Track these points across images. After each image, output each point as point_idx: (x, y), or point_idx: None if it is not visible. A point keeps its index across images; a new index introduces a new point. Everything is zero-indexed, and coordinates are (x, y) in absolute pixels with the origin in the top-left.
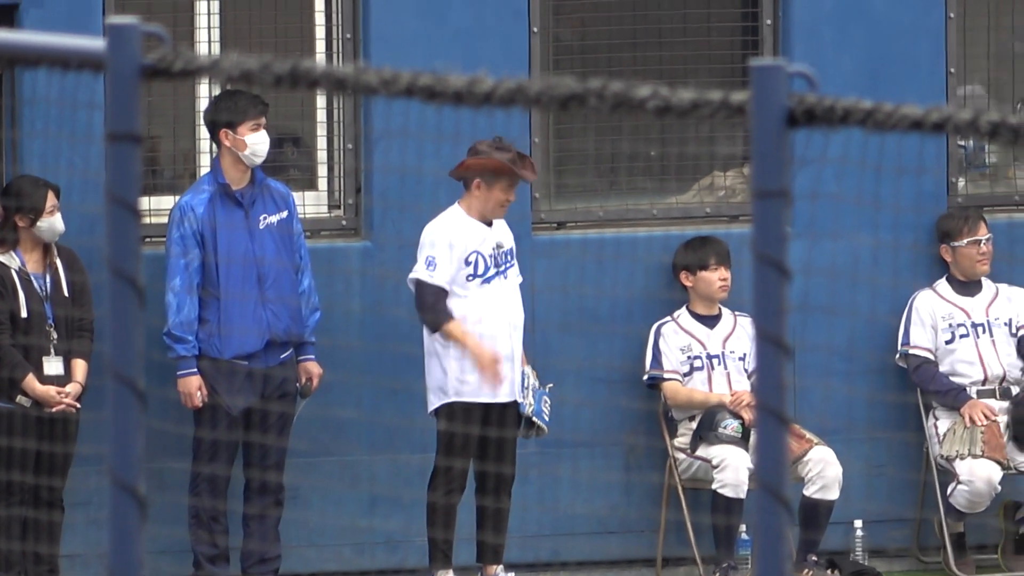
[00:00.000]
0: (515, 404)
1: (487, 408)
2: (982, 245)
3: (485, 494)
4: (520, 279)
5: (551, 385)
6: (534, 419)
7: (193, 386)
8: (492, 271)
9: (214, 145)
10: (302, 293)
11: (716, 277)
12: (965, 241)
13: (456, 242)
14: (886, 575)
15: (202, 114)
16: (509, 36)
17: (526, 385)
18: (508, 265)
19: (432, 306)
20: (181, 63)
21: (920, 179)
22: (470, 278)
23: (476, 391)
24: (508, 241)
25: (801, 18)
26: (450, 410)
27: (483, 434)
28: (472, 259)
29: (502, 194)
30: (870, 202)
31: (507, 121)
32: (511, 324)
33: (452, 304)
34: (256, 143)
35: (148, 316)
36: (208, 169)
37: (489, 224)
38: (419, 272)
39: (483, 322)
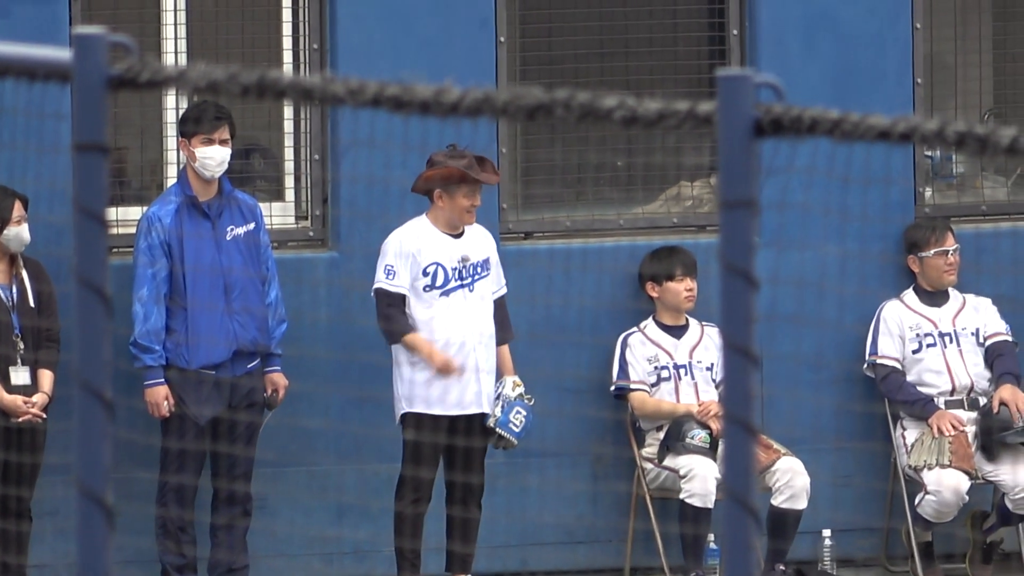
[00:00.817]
0: (484, 415)
1: (454, 418)
2: (949, 256)
3: (453, 504)
4: (501, 290)
5: (530, 399)
6: (497, 429)
7: (160, 395)
8: (454, 283)
9: (184, 155)
10: (269, 304)
11: (682, 288)
12: (932, 251)
13: (414, 252)
14: None
15: (176, 124)
16: (476, 46)
17: (499, 394)
18: (477, 278)
19: (390, 317)
20: (148, 73)
21: (887, 189)
22: (427, 288)
23: (438, 402)
24: (480, 254)
25: (768, 28)
26: (414, 419)
27: (448, 444)
28: (431, 270)
29: (465, 200)
30: (837, 212)
31: (474, 131)
32: (475, 337)
33: (414, 312)
34: (205, 156)
35: (115, 326)
36: (175, 180)
37: (459, 236)
38: (379, 280)
39: (443, 334)
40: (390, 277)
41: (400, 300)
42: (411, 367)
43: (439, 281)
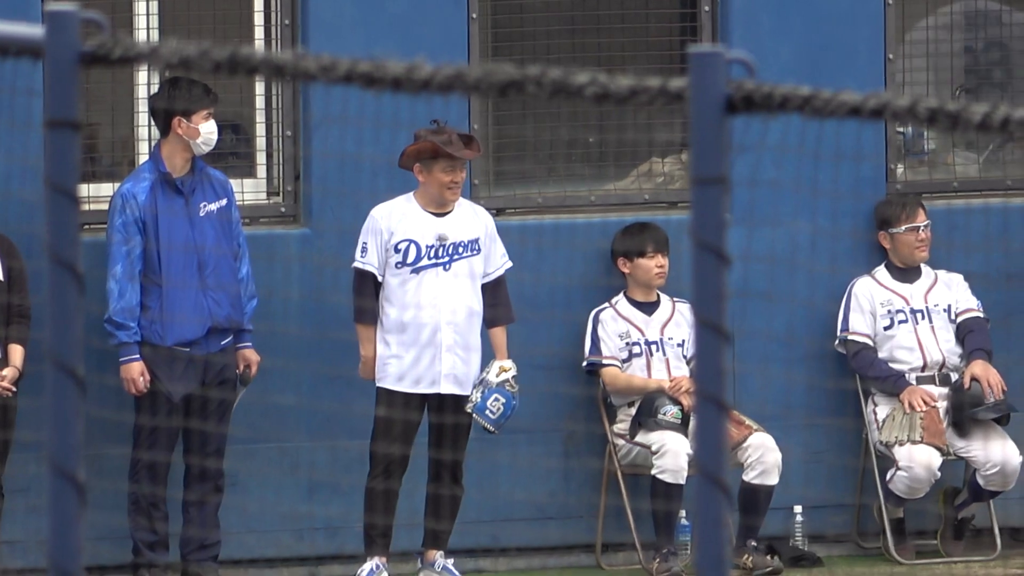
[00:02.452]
0: (458, 396)
1: (426, 396)
2: (920, 232)
3: (430, 480)
4: (498, 271)
5: (513, 386)
6: (474, 415)
7: (136, 372)
8: (426, 261)
9: (156, 132)
10: (240, 280)
11: (653, 264)
12: (903, 228)
13: (387, 228)
14: (826, 560)
15: (148, 101)
16: (448, 23)
17: (481, 379)
18: (456, 257)
19: (357, 296)
20: (120, 50)
21: (859, 166)
22: (399, 265)
23: (405, 379)
24: (465, 233)
25: (739, 5)
26: (385, 395)
27: (416, 421)
28: (402, 247)
29: (444, 175)
30: (809, 189)
31: (446, 108)
32: (443, 317)
33: (387, 287)
34: (208, 132)
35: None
36: (147, 156)
37: (442, 214)
38: (356, 257)
39: (410, 311)
40: (363, 255)
41: (370, 279)
42: (384, 344)
43: (410, 258)
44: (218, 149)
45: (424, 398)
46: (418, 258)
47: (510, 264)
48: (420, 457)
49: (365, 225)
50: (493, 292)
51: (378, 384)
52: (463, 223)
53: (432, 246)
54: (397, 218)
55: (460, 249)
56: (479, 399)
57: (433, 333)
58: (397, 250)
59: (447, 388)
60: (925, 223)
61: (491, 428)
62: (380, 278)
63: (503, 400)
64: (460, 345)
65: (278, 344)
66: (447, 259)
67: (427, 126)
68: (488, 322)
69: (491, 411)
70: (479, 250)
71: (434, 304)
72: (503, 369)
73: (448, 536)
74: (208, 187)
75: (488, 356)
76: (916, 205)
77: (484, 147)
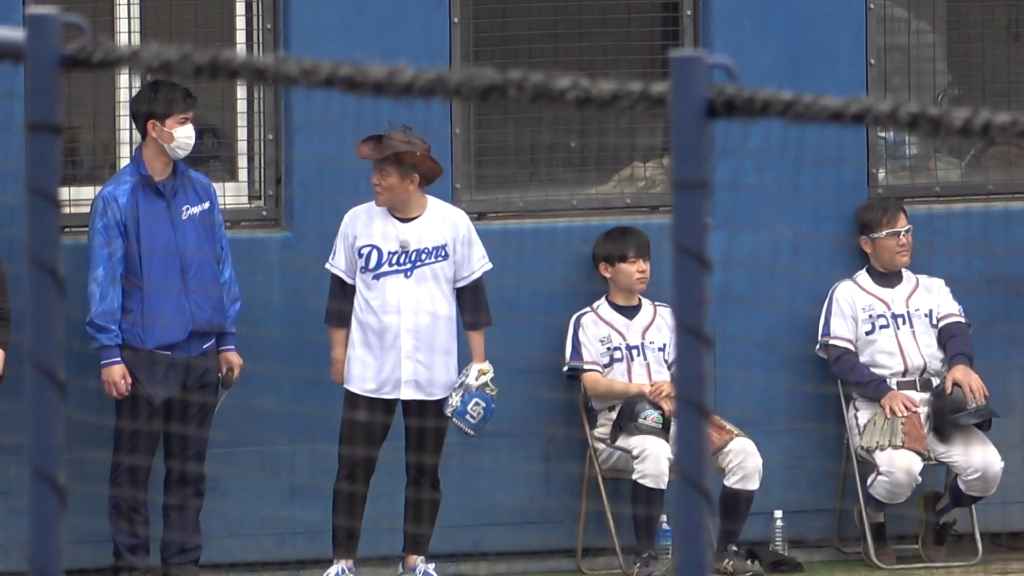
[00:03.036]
0: (423, 402)
1: (388, 401)
2: (901, 236)
3: (408, 485)
4: (473, 275)
5: (493, 390)
6: (453, 420)
7: (117, 374)
8: (387, 268)
9: (137, 136)
10: (223, 284)
11: (634, 269)
12: (884, 232)
13: (350, 233)
14: (806, 565)
15: (129, 104)
16: (429, 27)
17: (461, 383)
18: (419, 264)
19: (330, 297)
20: (101, 54)
21: (840, 170)
22: (363, 270)
23: (368, 383)
24: (431, 239)
25: (721, 9)
26: (350, 397)
27: (406, 425)
28: (365, 252)
29: (373, 179)
30: (790, 193)
31: (427, 112)
32: (404, 323)
33: (358, 291)
34: (183, 136)
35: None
36: (128, 159)
37: (408, 219)
38: (329, 259)
39: (373, 316)
40: (332, 258)
41: (339, 282)
42: (351, 346)
43: (372, 263)
44: (199, 153)
45: (390, 403)
46: (379, 264)
47: (489, 266)
48: (400, 461)
49: (339, 228)
50: (470, 296)
51: (344, 386)
52: (429, 229)
53: (395, 252)
54: (364, 223)
55: (423, 256)
56: (459, 403)
57: (394, 339)
58: (360, 255)
59: (408, 394)
60: (906, 228)
61: (471, 432)
62: (351, 281)
63: (483, 404)
64: (422, 351)
65: (259, 348)
66: (409, 266)
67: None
68: (466, 325)
69: (471, 415)
70: (446, 256)
71: (395, 310)
72: (482, 372)
73: (428, 541)
74: (191, 190)
75: (466, 359)
76: (897, 210)
77: (465, 151)
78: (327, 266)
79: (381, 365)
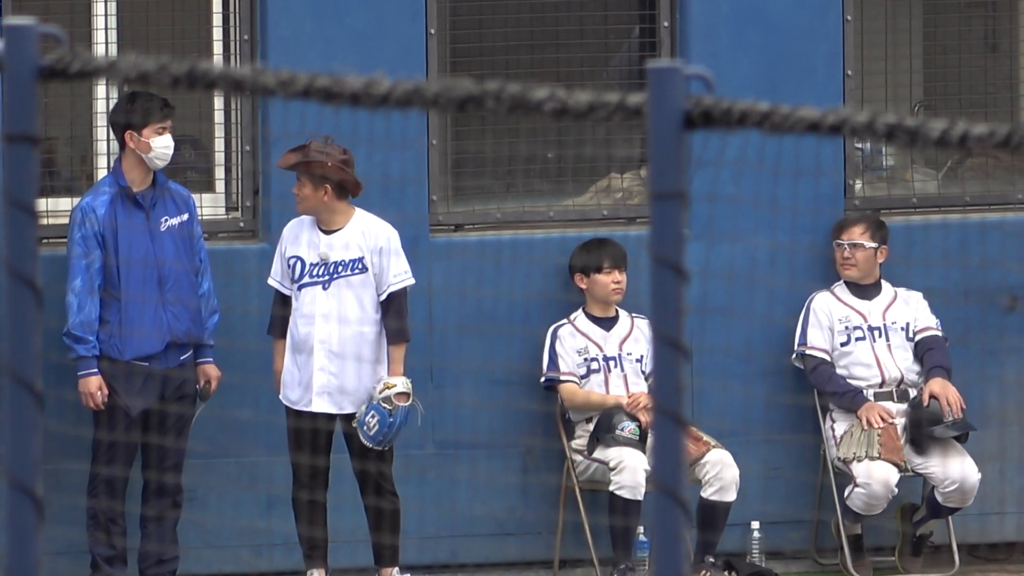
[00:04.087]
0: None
1: (314, 414)
2: (846, 249)
3: (362, 495)
4: (391, 287)
5: (392, 406)
6: (356, 429)
7: (94, 386)
8: (307, 279)
9: (116, 146)
10: (202, 296)
11: (609, 280)
12: (834, 243)
13: (285, 242)
14: None
15: (107, 115)
16: (406, 38)
17: (370, 394)
18: (336, 276)
19: (272, 310)
20: (78, 64)
21: (817, 181)
22: (292, 281)
23: (292, 395)
24: (349, 252)
25: (698, 20)
26: (284, 409)
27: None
28: (292, 263)
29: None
30: (767, 204)
31: (404, 123)
32: (320, 334)
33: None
34: (160, 146)
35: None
36: (107, 170)
37: (331, 231)
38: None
39: (298, 327)
40: (271, 269)
41: (278, 293)
42: (284, 358)
43: (296, 274)
44: (177, 164)
45: (315, 415)
46: (301, 275)
47: (411, 282)
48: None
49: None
50: (387, 309)
51: (279, 397)
52: (348, 242)
53: (315, 264)
54: (294, 234)
55: (340, 268)
56: (361, 414)
57: (309, 351)
58: (289, 265)
59: (320, 406)
60: (854, 241)
61: (369, 444)
62: (288, 292)
63: (378, 417)
64: (334, 362)
65: (237, 359)
66: (327, 278)
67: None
68: (387, 340)
69: (367, 426)
70: (364, 268)
71: (311, 322)
72: (387, 386)
73: (396, 551)
74: (170, 202)
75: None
76: (854, 222)
77: (442, 163)
78: (269, 280)
79: (301, 376)
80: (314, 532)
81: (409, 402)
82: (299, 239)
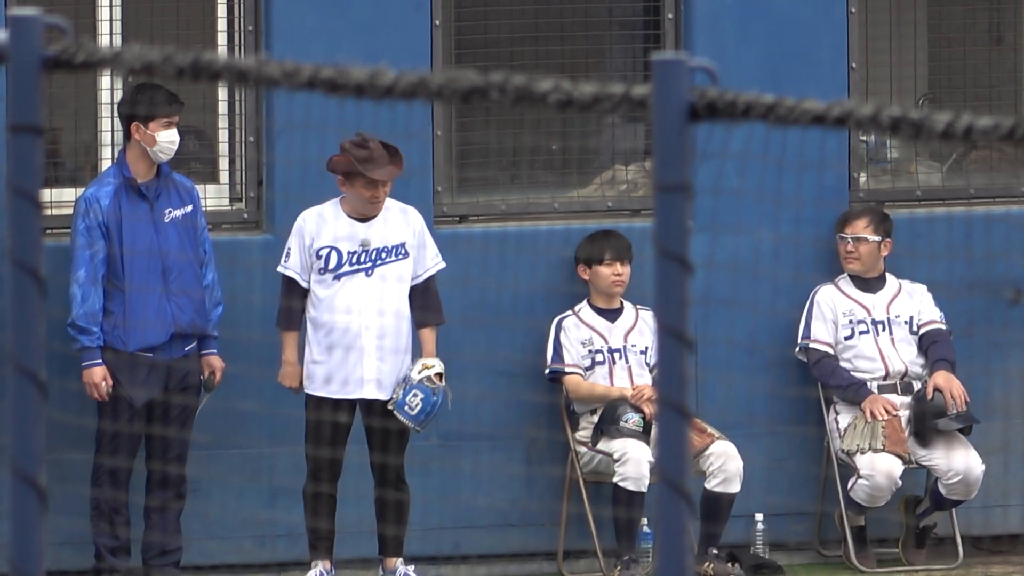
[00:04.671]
0: (383, 400)
1: (352, 402)
2: (849, 243)
3: (376, 486)
4: (427, 272)
5: (437, 386)
6: (394, 412)
7: (98, 376)
8: (347, 268)
9: (120, 137)
10: (206, 287)
11: (610, 272)
12: (838, 236)
13: (310, 234)
14: (787, 568)
15: (114, 105)
16: (411, 29)
17: (405, 376)
18: (379, 263)
19: (281, 301)
20: (83, 55)
21: (822, 174)
22: (321, 271)
23: (330, 384)
24: (391, 238)
25: (703, 12)
26: (313, 401)
27: (345, 424)
28: (324, 253)
29: (364, 191)
30: (772, 197)
31: (409, 114)
32: (366, 321)
33: (314, 292)
34: (165, 140)
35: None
36: (111, 161)
37: (366, 219)
38: (281, 262)
39: (333, 316)
40: (286, 259)
41: (292, 284)
42: (309, 349)
43: (331, 264)
44: (181, 155)
45: (352, 403)
46: (339, 264)
47: (443, 265)
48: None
49: (293, 229)
50: (422, 294)
51: (305, 390)
52: (389, 228)
53: (354, 252)
54: (321, 224)
55: (384, 254)
56: (399, 396)
57: (355, 338)
58: (319, 256)
59: (370, 393)
60: (855, 235)
61: (411, 425)
62: (305, 283)
63: (421, 396)
64: (384, 350)
65: (241, 350)
66: (370, 265)
67: (351, 139)
68: (417, 323)
69: (409, 407)
70: (407, 254)
71: (356, 310)
72: (425, 366)
73: (403, 542)
74: (174, 193)
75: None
76: (858, 215)
77: (447, 154)
78: (280, 268)
79: (342, 364)
80: (326, 525)
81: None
82: (330, 228)
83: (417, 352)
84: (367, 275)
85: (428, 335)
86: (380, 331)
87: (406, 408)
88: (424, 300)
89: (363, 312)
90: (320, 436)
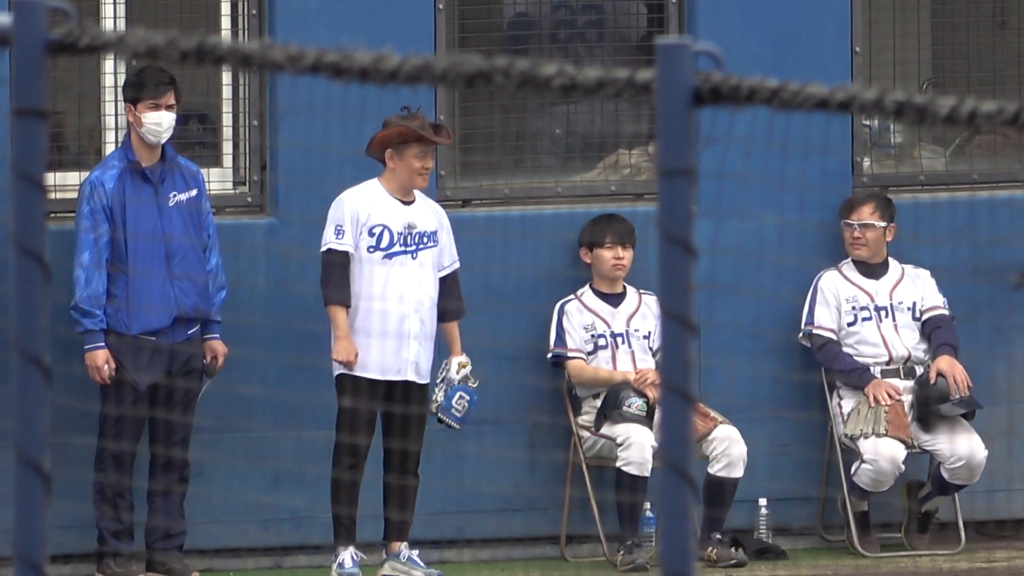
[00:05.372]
0: (420, 385)
1: (389, 384)
2: (855, 229)
3: (390, 471)
4: (453, 266)
5: (476, 382)
6: (439, 416)
7: (101, 359)
8: (397, 248)
9: (124, 121)
10: (210, 271)
11: (611, 256)
12: (842, 221)
13: (363, 212)
14: (790, 553)
15: (122, 89)
16: (415, 13)
17: (443, 377)
18: (421, 247)
19: (330, 278)
20: (87, 39)
21: (826, 159)
22: (371, 249)
23: (371, 366)
24: (428, 224)
25: None
26: (351, 383)
27: (374, 410)
28: (377, 231)
29: (416, 161)
30: (776, 181)
31: (413, 99)
32: (410, 304)
33: (357, 272)
34: (151, 122)
35: (53, 291)
36: (115, 145)
37: (408, 203)
38: (328, 240)
39: (379, 298)
40: (339, 236)
41: (346, 260)
42: (352, 330)
43: (384, 243)
44: (185, 138)
45: (389, 386)
46: (391, 244)
47: (458, 265)
48: (378, 447)
49: (337, 208)
50: (449, 285)
51: (340, 370)
52: (427, 214)
53: (402, 233)
54: (371, 202)
55: (424, 239)
56: (443, 398)
57: (400, 321)
58: (372, 234)
59: (412, 376)
60: (862, 222)
61: (456, 426)
62: (351, 259)
63: (468, 397)
64: (424, 335)
65: (244, 334)
66: (414, 248)
67: (397, 113)
68: (441, 315)
69: (456, 410)
70: (436, 242)
71: (401, 292)
72: (462, 365)
73: (410, 526)
74: (179, 177)
75: (440, 348)
76: (863, 201)
77: (451, 138)
78: (334, 246)
79: (384, 347)
80: (355, 510)
81: None
82: (381, 208)
83: (438, 342)
84: (412, 257)
85: (454, 329)
86: (422, 316)
87: (453, 411)
88: (450, 292)
89: (408, 296)
90: (360, 421)
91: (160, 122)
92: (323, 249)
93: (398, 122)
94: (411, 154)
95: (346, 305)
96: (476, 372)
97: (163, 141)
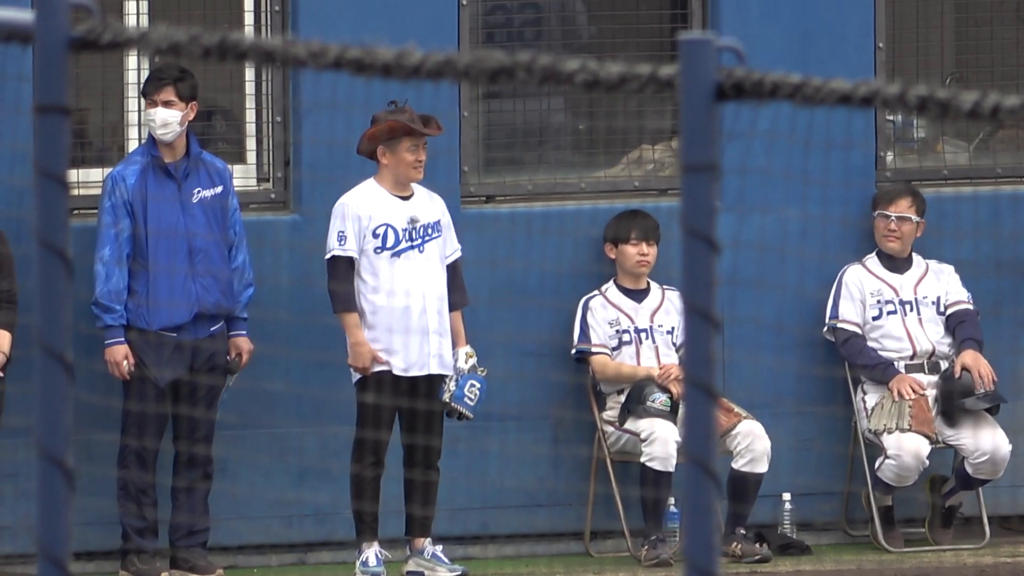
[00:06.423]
0: (441, 378)
1: (412, 380)
2: (892, 221)
3: (412, 467)
4: (454, 254)
5: (484, 371)
6: (453, 404)
7: (120, 355)
8: (404, 244)
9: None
10: (236, 268)
11: (635, 252)
12: (877, 213)
13: (363, 214)
14: (814, 548)
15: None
16: (438, 9)
17: (453, 368)
18: (427, 239)
19: (337, 285)
20: (110, 35)
21: (849, 153)
22: (378, 251)
23: (390, 363)
24: (430, 215)
25: None
26: (374, 380)
27: (399, 406)
28: (380, 231)
29: (409, 155)
30: (799, 176)
31: (436, 94)
32: (426, 298)
33: (367, 275)
34: (148, 119)
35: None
36: (138, 141)
37: (407, 198)
38: (332, 248)
39: (395, 296)
40: (342, 243)
41: (347, 266)
42: (367, 328)
43: (389, 242)
44: (208, 134)
45: (411, 382)
46: (397, 242)
47: (460, 253)
48: (398, 442)
49: (337, 213)
50: (452, 275)
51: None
52: (426, 206)
53: (406, 229)
54: (371, 203)
55: (429, 230)
56: (455, 388)
57: (418, 316)
58: (376, 235)
59: (436, 369)
60: (900, 214)
61: (471, 415)
62: (358, 264)
63: (479, 385)
64: (443, 328)
65: (267, 330)
66: (420, 241)
67: (385, 108)
68: (449, 306)
69: (469, 398)
70: (440, 232)
71: (414, 287)
72: (468, 355)
73: (431, 522)
74: (203, 173)
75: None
76: (901, 194)
77: (473, 134)
78: (339, 252)
79: (405, 343)
80: (376, 507)
81: None
82: (380, 207)
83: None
84: (420, 251)
85: (459, 319)
86: (437, 308)
87: (466, 399)
88: (455, 281)
89: (422, 290)
90: (383, 418)
91: (154, 119)
92: (328, 256)
93: (386, 117)
94: (403, 148)
95: (354, 310)
96: (500, 368)
97: (167, 138)
